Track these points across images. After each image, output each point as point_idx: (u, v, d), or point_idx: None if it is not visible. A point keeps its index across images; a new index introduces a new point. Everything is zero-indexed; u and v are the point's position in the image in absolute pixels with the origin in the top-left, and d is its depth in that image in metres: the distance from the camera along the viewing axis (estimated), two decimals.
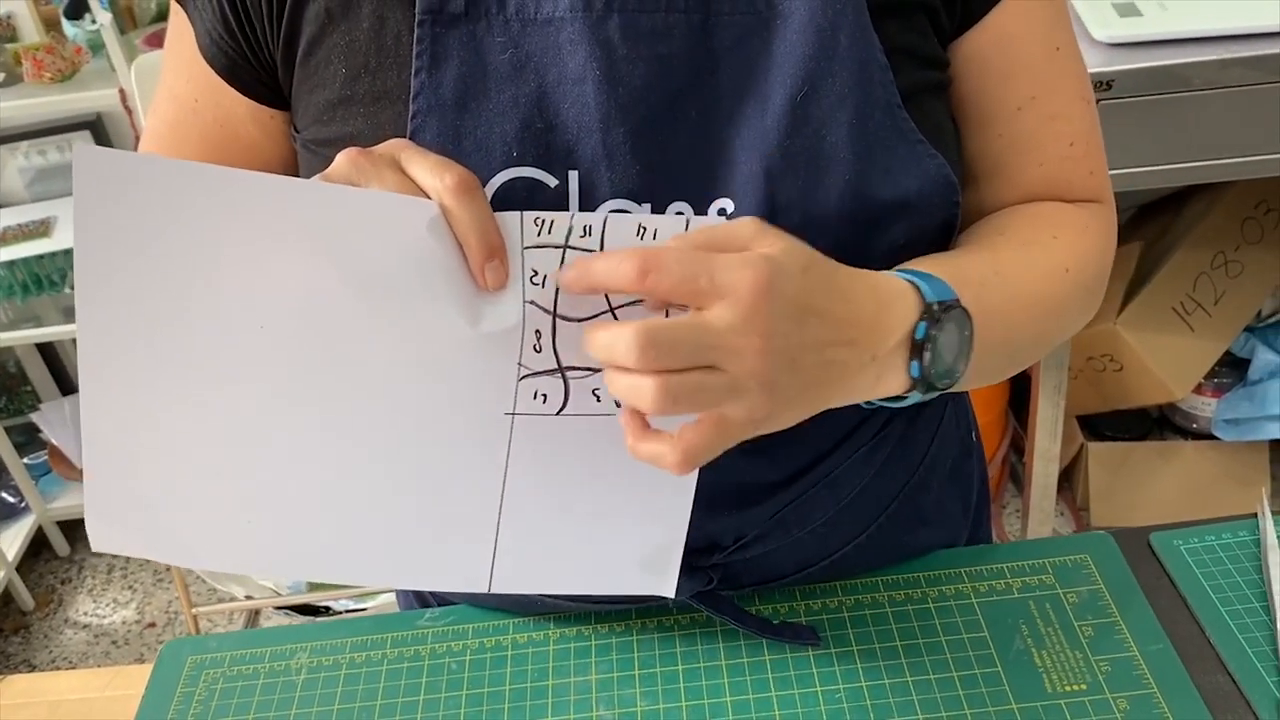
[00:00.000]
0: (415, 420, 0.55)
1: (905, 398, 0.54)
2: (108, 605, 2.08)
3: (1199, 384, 1.77)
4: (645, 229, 0.52)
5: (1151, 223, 1.83)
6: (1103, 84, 1.21)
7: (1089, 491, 1.86)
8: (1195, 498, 1.83)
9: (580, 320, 0.53)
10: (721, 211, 0.56)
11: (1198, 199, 1.76)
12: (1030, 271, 0.60)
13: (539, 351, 0.53)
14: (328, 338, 0.52)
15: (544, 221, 0.52)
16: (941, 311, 0.52)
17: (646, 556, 0.59)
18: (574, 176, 0.55)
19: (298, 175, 0.65)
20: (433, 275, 0.51)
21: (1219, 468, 1.83)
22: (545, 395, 0.54)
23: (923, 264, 0.57)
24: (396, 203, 0.50)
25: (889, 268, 0.57)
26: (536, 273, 0.52)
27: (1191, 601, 0.67)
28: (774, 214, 0.55)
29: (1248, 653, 0.63)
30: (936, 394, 0.54)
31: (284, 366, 0.53)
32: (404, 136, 0.56)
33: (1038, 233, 0.62)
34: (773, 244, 0.48)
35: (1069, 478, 1.92)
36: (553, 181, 0.55)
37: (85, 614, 2.08)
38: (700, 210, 0.56)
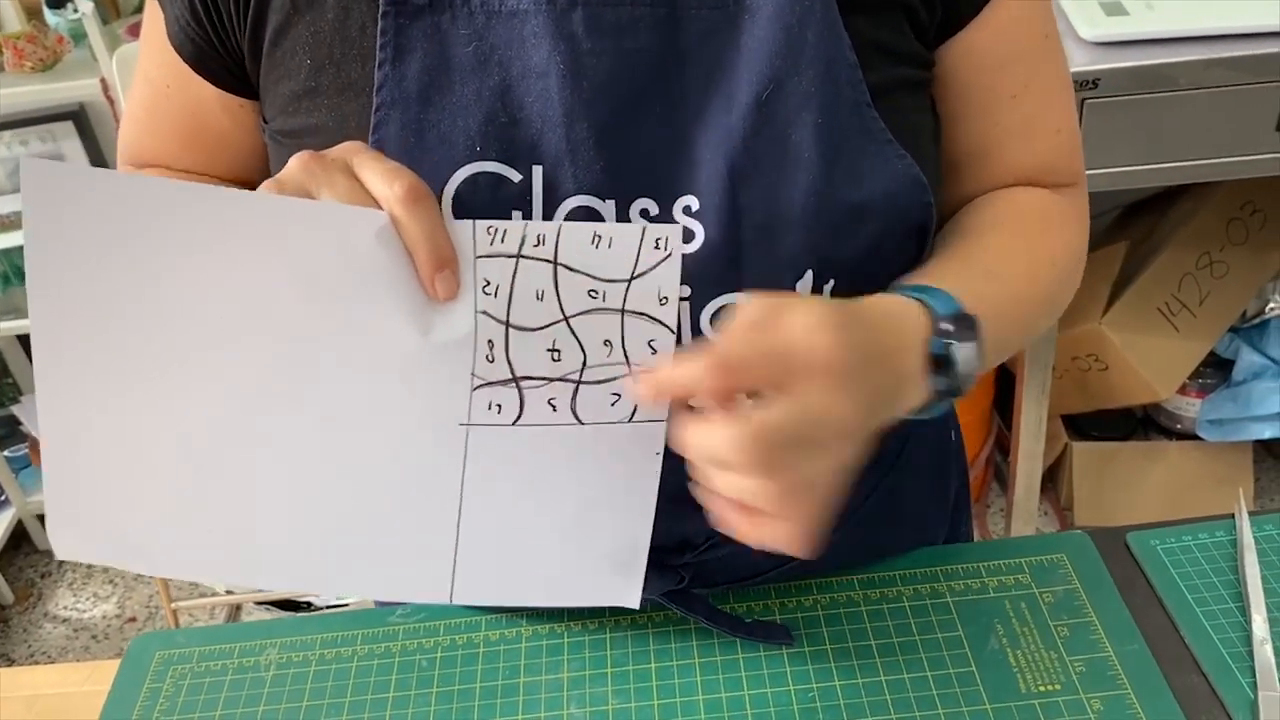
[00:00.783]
0: (369, 430, 0.54)
1: (927, 409, 0.54)
2: (88, 599, 2.07)
3: (1183, 384, 1.77)
4: (600, 237, 0.51)
5: (1137, 223, 1.83)
6: (1089, 83, 1.21)
7: (1073, 491, 1.86)
8: (1179, 498, 1.83)
9: (533, 330, 0.52)
10: (686, 209, 0.55)
11: (1184, 199, 1.76)
12: (1020, 268, 0.61)
13: (492, 362, 0.53)
14: (280, 348, 0.52)
15: (497, 230, 0.51)
16: (953, 323, 0.53)
17: (609, 567, 0.58)
18: (538, 172, 0.55)
19: (269, 164, 0.64)
20: (383, 284, 0.51)
21: (1203, 468, 1.83)
22: (500, 406, 0.54)
23: (922, 275, 0.57)
24: (345, 213, 0.49)
25: (859, 270, 0.57)
26: (489, 282, 0.52)
27: (1167, 602, 0.66)
28: (738, 213, 0.54)
29: (1222, 654, 0.63)
30: (952, 400, 0.54)
31: (236, 378, 0.52)
32: (368, 128, 0.55)
33: (1025, 227, 0.63)
34: (805, 305, 0.48)
35: (1053, 478, 1.93)
36: (516, 177, 0.55)
37: (65, 608, 2.06)
38: (665, 208, 0.55)
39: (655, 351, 0.53)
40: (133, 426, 0.53)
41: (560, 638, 0.68)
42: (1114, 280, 1.73)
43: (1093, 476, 1.86)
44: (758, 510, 0.48)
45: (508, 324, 0.52)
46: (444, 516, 0.56)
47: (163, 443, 0.53)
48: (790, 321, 0.47)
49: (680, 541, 0.65)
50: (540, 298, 0.52)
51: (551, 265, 0.52)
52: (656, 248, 0.52)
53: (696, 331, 0.56)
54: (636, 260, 0.52)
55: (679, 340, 0.55)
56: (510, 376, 0.53)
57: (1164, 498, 1.84)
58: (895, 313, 0.53)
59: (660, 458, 0.55)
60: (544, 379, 0.53)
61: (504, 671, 0.67)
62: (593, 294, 0.52)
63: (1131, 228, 1.83)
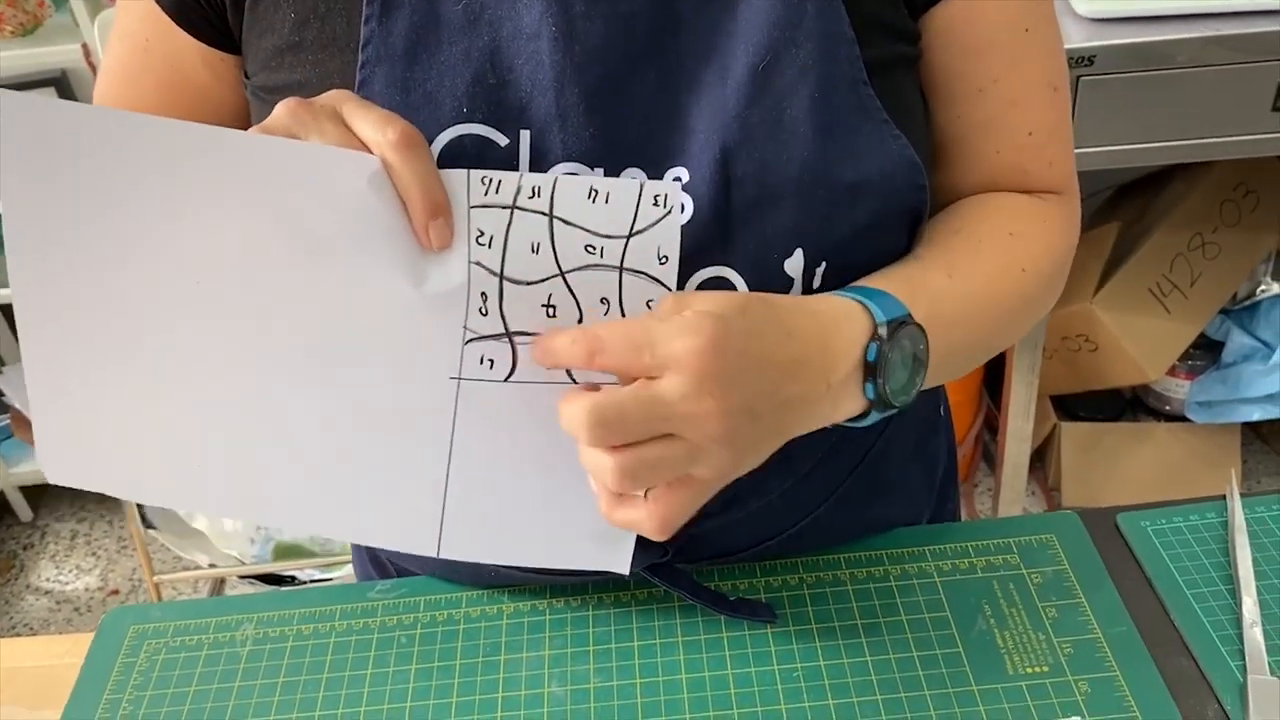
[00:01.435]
0: (358, 380, 0.53)
1: (865, 417, 0.53)
2: (70, 572, 2.06)
3: (1173, 366, 1.77)
4: (597, 191, 0.50)
5: (1130, 203, 1.82)
6: (1084, 60, 1.20)
7: (1061, 472, 1.86)
8: (1167, 479, 1.83)
9: (529, 284, 0.51)
10: (676, 180, 0.54)
11: (1177, 180, 1.75)
12: (986, 274, 0.59)
13: (485, 315, 0.51)
14: (266, 295, 0.51)
15: (491, 180, 0.50)
16: (893, 330, 0.51)
17: (600, 530, 0.57)
18: (525, 136, 0.53)
19: (251, 122, 0.63)
20: (374, 233, 0.49)
21: (1191, 450, 1.83)
22: (492, 360, 0.53)
23: (875, 279, 0.56)
24: (336, 157, 0.48)
25: (851, 252, 0.55)
26: (483, 233, 0.50)
27: (1157, 583, 0.66)
28: (729, 186, 0.53)
29: (1212, 636, 0.62)
30: (895, 411, 0.53)
31: (222, 322, 0.51)
32: (352, 86, 0.54)
33: (994, 230, 0.61)
34: (705, 299, 0.48)
35: (1041, 457, 1.92)
36: (503, 140, 0.53)
37: (48, 580, 2.05)
38: (654, 179, 0.54)
39: None
40: (117, 366, 0.52)
41: (542, 614, 0.67)
42: (1105, 260, 1.72)
43: (1081, 457, 1.85)
44: (613, 495, 0.49)
45: (502, 276, 0.51)
46: (433, 470, 0.55)
47: (148, 383, 0.53)
48: (677, 316, 0.47)
49: None
50: (536, 251, 0.51)
51: (547, 218, 0.50)
52: (655, 204, 0.50)
53: None
54: (635, 216, 0.51)
55: None
56: (504, 331, 0.52)
57: (1151, 479, 1.84)
58: (829, 314, 0.52)
59: None
60: (539, 335, 0.52)
61: (485, 648, 0.66)
62: (590, 249, 0.51)
63: (1124, 208, 1.82)
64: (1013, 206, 0.62)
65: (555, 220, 0.50)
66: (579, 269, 0.51)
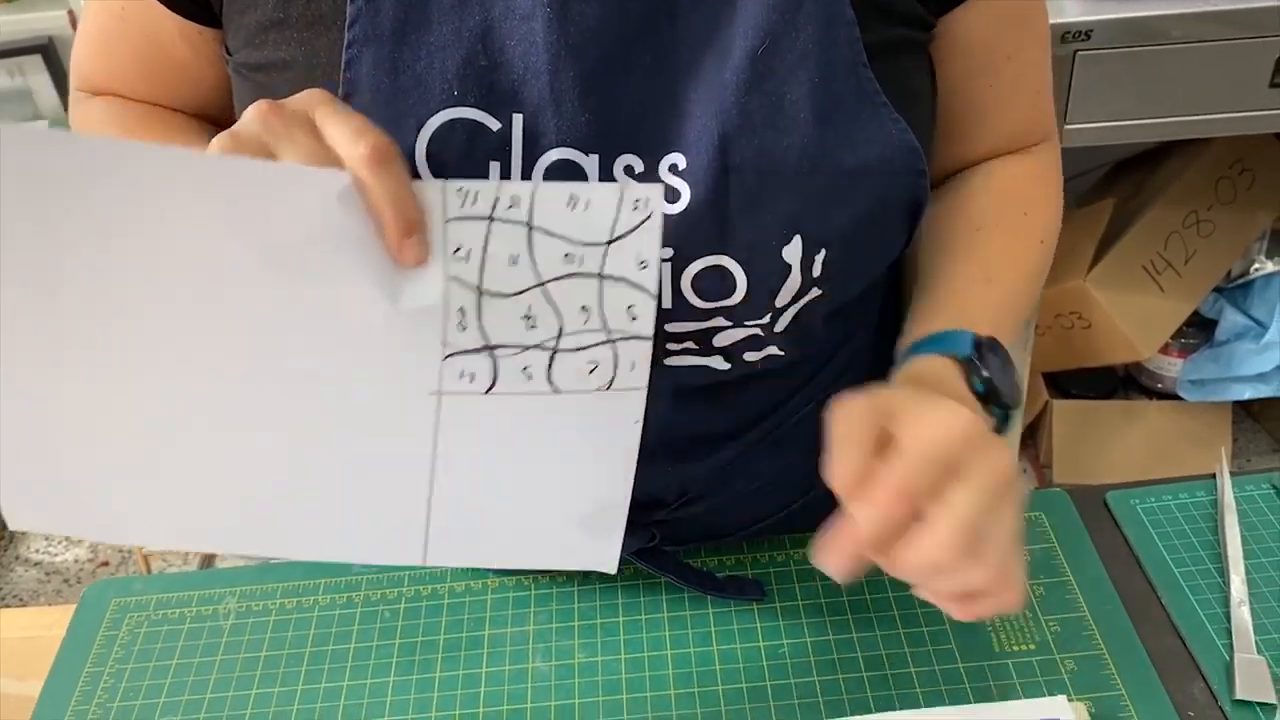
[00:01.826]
0: (335, 398, 0.52)
1: (1001, 430, 0.55)
2: (60, 543, 2.05)
3: (1165, 344, 1.77)
4: (576, 198, 0.48)
5: (1125, 180, 1.81)
6: (1081, 34, 1.18)
7: (1052, 448, 1.86)
8: (1158, 457, 1.83)
9: (507, 296, 0.50)
10: (673, 168, 0.52)
11: (1173, 157, 1.74)
12: (1015, 263, 0.62)
13: (464, 330, 0.50)
14: (240, 315, 0.49)
15: (468, 192, 0.48)
16: (978, 357, 0.54)
17: (586, 532, 0.56)
18: (518, 120, 0.52)
19: (232, 96, 0.62)
20: (347, 249, 0.48)
21: (1182, 428, 1.83)
22: (473, 374, 0.51)
23: (924, 320, 0.58)
24: (304, 175, 0.46)
25: (851, 241, 0.55)
26: (460, 247, 0.49)
27: (1145, 562, 0.65)
28: (726, 174, 0.52)
29: (1199, 615, 0.62)
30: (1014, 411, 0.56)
31: (195, 343, 0.50)
32: (338, 66, 0.52)
33: (1011, 218, 0.63)
34: (911, 401, 0.49)
35: (1033, 434, 1.92)
36: (495, 124, 0.52)
37: (37, 551, 2.04)
38: (651, 165, 0.53)
39: (635, 318, 0.51)
40: (86, 396, 0.50)
41: (527, 590, 0.67)
42: (1099, 237, 1.71)
43: (1072, 434, 1.85)
44: (978, 593, 0.49)
45: (480, 290, 0.50)
46: (415, 484, 0.54)
47: (118, 413, 0.51)
48: (920, 420, 0.47)
49: (651, 499, 0.63)
50: (514, 262, 0.50)
51: (526, 228, 0.49)
52: (635, 209, 0.49)
53: (677, 294, 0.54)
54: (615, 222, 0.49)
55: (659, 304, 0.53)
56: (483, 344, 0.51)
57: (1142, 457, 1.84)
58: (936, 373, 0.54)
59: (639, 426, 0.53)
60: (519, 347, 0.51)
61: (469, 623, 0.66)
62: (569, 258, 0.50)
63: (1119, 185, 1.81)
64: (1019, 182, 0.64)
65: (534, 230, 0.49)
66: (558, 278, 0.50)
